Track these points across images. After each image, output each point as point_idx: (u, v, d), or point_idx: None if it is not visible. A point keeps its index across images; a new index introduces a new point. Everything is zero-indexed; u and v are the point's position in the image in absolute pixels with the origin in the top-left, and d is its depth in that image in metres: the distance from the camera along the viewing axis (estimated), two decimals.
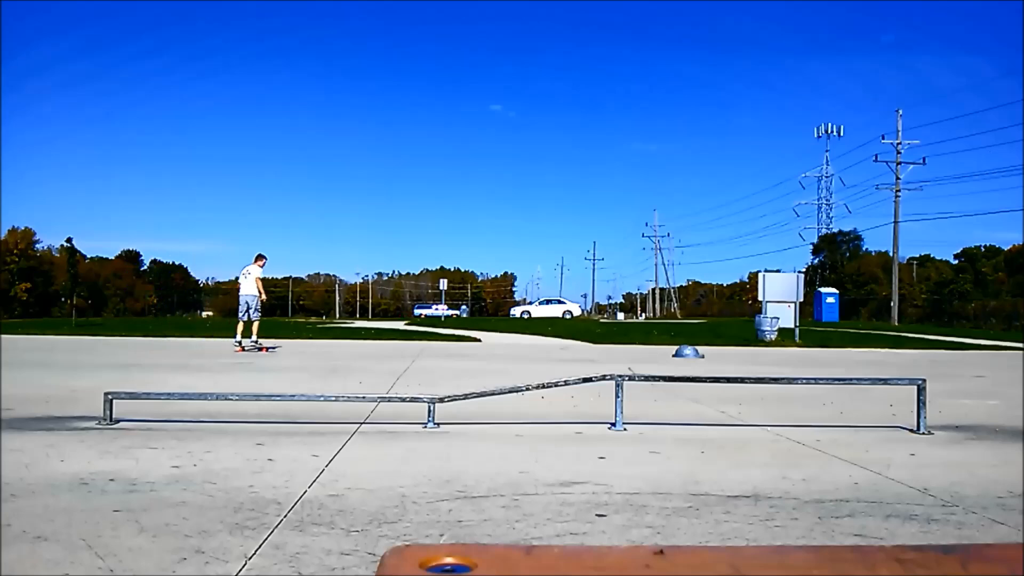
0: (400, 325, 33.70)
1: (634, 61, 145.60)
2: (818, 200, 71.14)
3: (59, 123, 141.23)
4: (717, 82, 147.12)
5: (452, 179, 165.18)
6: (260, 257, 15.07)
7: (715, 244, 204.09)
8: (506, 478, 3.74)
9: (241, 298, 14.87)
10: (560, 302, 55.41)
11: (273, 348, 15.25)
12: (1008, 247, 59.87)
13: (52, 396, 6.81)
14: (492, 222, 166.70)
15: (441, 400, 5.49)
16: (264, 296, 15.07)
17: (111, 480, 3.58)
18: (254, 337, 14.74)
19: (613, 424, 5.38)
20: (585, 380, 5.72)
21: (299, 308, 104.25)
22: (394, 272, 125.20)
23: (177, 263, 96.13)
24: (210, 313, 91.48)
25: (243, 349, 14.43)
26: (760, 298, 20.77)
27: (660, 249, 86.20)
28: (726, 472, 3.99)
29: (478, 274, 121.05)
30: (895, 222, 45.83)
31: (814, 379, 7.21)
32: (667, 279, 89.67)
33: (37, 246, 67.92)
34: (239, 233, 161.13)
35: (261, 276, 15.02)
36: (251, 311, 14.70)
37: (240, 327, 14.77)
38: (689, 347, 15.16)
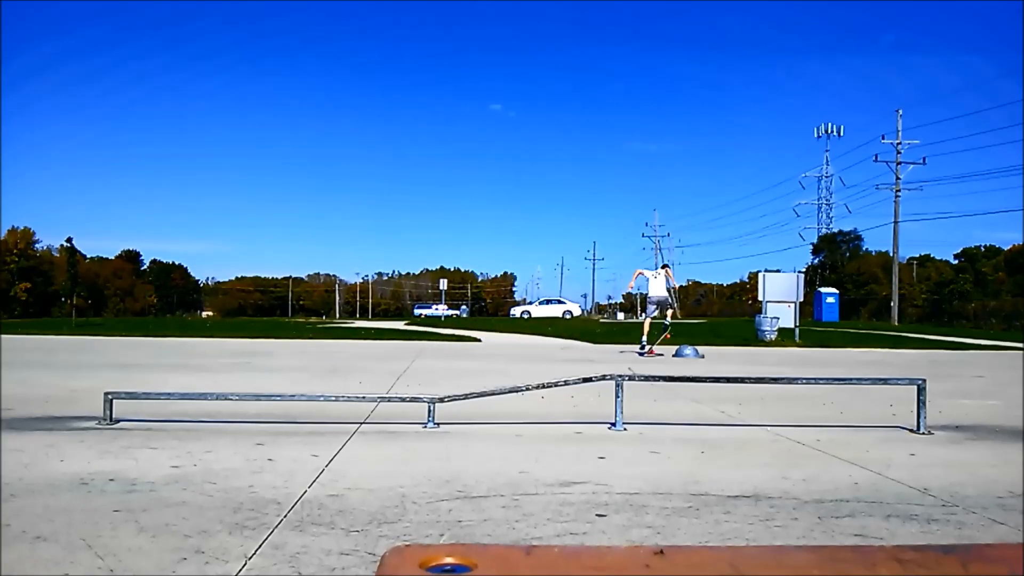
0: (400, 325, 33.70)
1: (634, 61, 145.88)
2: (818, 200, 71.20)
3: (59, 123, 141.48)
4: (717, 82, 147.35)
5: (452, 179, 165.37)
6: (666, 266, 15.98)
7: (715, 244, 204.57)
8: (506, 478, 3.74)
9: (651, 299, 15.25)
10: (560, 302, 55.42)
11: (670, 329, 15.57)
12: (1008, 247, 59.95)
13: (52, 396, 6.80)
14: (492, 222, 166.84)
15: (441, 400, 5.49)
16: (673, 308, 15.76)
17: (111, 480, 3.58)
18: (644, 339, 14.96)
19: (613, 424, 5.38)
20: (585, 380, 5.71)
21: (299, 308, 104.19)
22: (394, 272, 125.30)
23: (177, 263, 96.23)
24: (210, 313, 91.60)
25: (653, 352, 14.46)
26: (760, 298, 20.76)
27: (660, 249, 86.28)
28: (726, 472, 3.99)
29: (478, 274, 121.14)
30: (895, 222, 45.88)
31: (814, 379, 7.20)
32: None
33: (37, 246, 68.02)
34: (239, 233, 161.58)
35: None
36: (659, 310, 15.18)
37: (647, 326, 15.09)
38: (689, 347, 15.15)
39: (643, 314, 15.00)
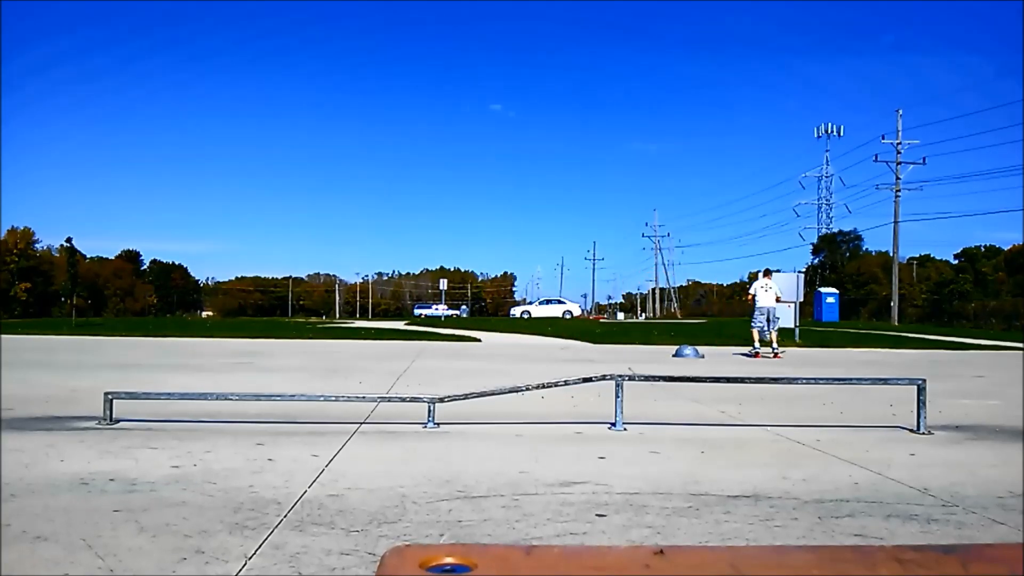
0: (400, 325, 33.68)
1: (634, 61, 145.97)
2: (818, 200, 71.16)
3: (59, 123, 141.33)
4: (717, 82, 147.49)
5: (452, 179, 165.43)
6: (768, 272, 16.26)
7: (715, 244, 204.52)
8: (506, 478, 3.74)
9: (762, 309, 15.46)
10: (560, 302, 55.37)
11: (783, 351, 15.62)
12: (1008, 247, 59.97)
13: (52, 396, 6.80)
14: (492, 222, 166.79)
15: (441, 400, 5.49)
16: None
17: (111, 480, 3.58)
18: (775, 345, 15.23)
19: (613, 424, 5.38)
20: (585, 380, 5.71)
21: (299, 308, 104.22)
22: (394, 272, 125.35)
23: (177, 263, 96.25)
24: (210, 313, 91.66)
25: (759, 355, 14.87)
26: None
27: (660, 249, 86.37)
28: (726, 472, 3.99)
29: (478, 274, 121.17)
30: (895, 222, 45.87)
31: (814, 379, 7.20)
32: (667, 279, 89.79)
33: (37, 246, 68.04)
34: (239, 233, 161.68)
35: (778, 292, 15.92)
36: (769, 323, 15.40)
37: (756, 335, 15.40)
38: (689, 347, 15.16)
39: (752, 322, 15.60)
